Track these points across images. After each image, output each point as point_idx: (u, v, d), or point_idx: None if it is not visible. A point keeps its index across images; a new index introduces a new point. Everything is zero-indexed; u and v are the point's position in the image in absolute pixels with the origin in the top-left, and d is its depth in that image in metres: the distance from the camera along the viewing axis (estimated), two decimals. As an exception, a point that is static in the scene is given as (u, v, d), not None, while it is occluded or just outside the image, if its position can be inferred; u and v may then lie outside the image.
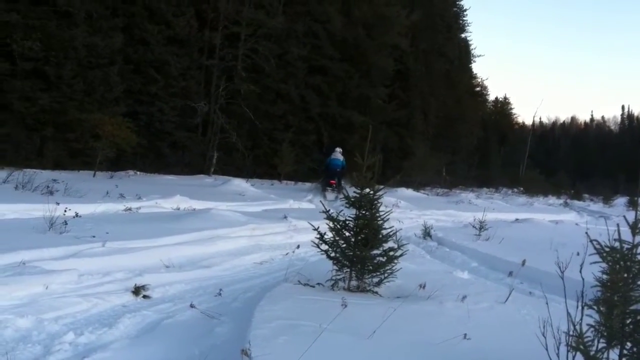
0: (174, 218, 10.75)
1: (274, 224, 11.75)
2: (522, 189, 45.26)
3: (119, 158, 19.46)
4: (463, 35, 49.35)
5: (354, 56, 30.88)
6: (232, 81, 24.38)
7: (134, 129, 18.82)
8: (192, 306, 5.70)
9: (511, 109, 69.24)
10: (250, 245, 9.67)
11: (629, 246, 3.59)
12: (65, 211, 8.98)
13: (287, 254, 9.26)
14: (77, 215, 9.27)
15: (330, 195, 19.22)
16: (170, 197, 13.12)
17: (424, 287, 6.33)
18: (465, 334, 4.65)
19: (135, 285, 6.08)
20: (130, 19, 21.03)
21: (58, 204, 8.90)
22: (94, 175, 17.10)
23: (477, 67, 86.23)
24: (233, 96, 24.50)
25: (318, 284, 6.44)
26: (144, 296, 5.99)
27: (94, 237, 7.78)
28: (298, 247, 9.63)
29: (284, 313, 5.02)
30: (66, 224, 8.01)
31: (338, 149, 20.81)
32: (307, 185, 23.37)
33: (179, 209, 12.49)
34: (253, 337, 4.26)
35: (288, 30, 26.96)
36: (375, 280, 6.39)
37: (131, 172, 19.91)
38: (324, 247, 6.44)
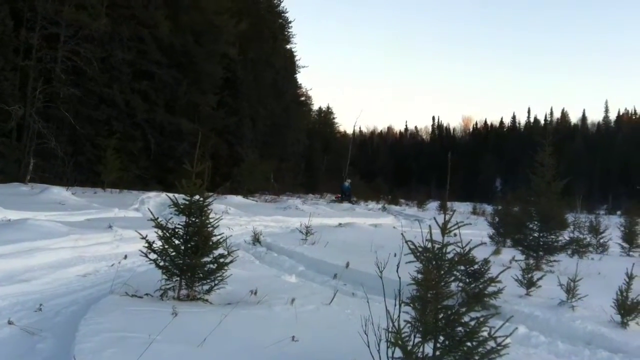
0: (-14, 230, 9.98)
1: (99, 234, 11.32)
2: (344, 194, 47.33)
3: None
4: (288, 47, 50.54)
5: (182, 63, 30.39)
6: (51, 84, 22.92)
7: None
8: (10, 323, 5.42)
9: (334, 118, 72.17)
10: (73, 257, 9.26)
11: (440, 246, 3.94)
12: None
13: (113, 264, 9.02)
14: None
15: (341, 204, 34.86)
16: (-20, 207, 12.16)
17: (254, 292, 6.52)
18: (293, 336, 4.88)
19: (-56, 304, 5.63)
20: None
21: None
22: None
23: (301, 78, 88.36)
24: (52, 99, 23.02)
25: (146, 294, 6.38)
26: (-46, 315, 5.56)
27: None
28: (125, 257, 9.41)
29: (111, 325, 4.94)
30: None
31: (348, 180, 41.24)
32: (134, 192, 22.70)
33: (-9, 220, 11.58)
34: (78, 352, 4.16)
35: (112, 33, 25.88)
36: (206, 287, 6.45)
37: None
38: (153, 256, 6.39)
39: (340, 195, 39.51)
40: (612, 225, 20.15)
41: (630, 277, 6.81)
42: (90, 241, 10.59)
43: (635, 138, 77.82)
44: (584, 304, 7.29)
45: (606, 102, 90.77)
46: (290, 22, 49.47)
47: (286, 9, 48.99)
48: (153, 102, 28.49)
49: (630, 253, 17.58)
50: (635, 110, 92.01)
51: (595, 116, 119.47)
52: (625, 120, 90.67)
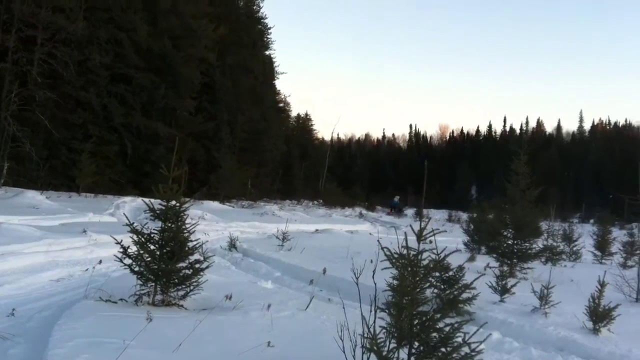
0: (-43, 234, 9.82)
1: (73, 239, 11.22)
2: (321, 201, 47.41)
3: None
4: (267, 53, 50.43)
5: (160, 67, 30.18)
6: (27, 87, 22.62)
7: None
8: (-19, 328, 5.34)
9: (312, 125, 72.14)
10: (46, 262, 9.16)
11: (415, 253, 3.96)
12: None
13: (87, 269, 8.92)
14: None
15: (391, 217, 39.49)
16: (-48, 211, 11.97)
17: (230, 298, 6.49)
18: (269, 342, 4.88)
19: None
20: None
21: None
22: None
23: (280, 84, 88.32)
24: (27, 102, 22.72)
25: (121, 299, 6.32)
26: None
27: None
28: (100, 262, 9.29)
29: (85, 331, 4.90)
30: None
31: (397, 197, 48.21)
32: (110, 197, 22.46)
33: (-38, 224, 11.37)
34: (51, 357, 4.13)
35: (89, 37, 25.62)
36: (181, 293, 6.42)
37: None
38: (128, 261, 6.34)
39: (391, 210, 45.02)
40: (585, 234, 20.49)
41: (602, 284, 6.92)
42: (64, 246, 10.48)
43: (608, 148, 79.09)
44: (556, 310, 7.39)
45: (581, 112, 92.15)
46: (269, 28, 49.42)
47: (265, 15, 49.01)
48: (130, 106, 28.23)
49: (603, 261, 17.85)
50: (609, 120, 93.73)
51: (570, 126, 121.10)
52: (600, 130, 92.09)
